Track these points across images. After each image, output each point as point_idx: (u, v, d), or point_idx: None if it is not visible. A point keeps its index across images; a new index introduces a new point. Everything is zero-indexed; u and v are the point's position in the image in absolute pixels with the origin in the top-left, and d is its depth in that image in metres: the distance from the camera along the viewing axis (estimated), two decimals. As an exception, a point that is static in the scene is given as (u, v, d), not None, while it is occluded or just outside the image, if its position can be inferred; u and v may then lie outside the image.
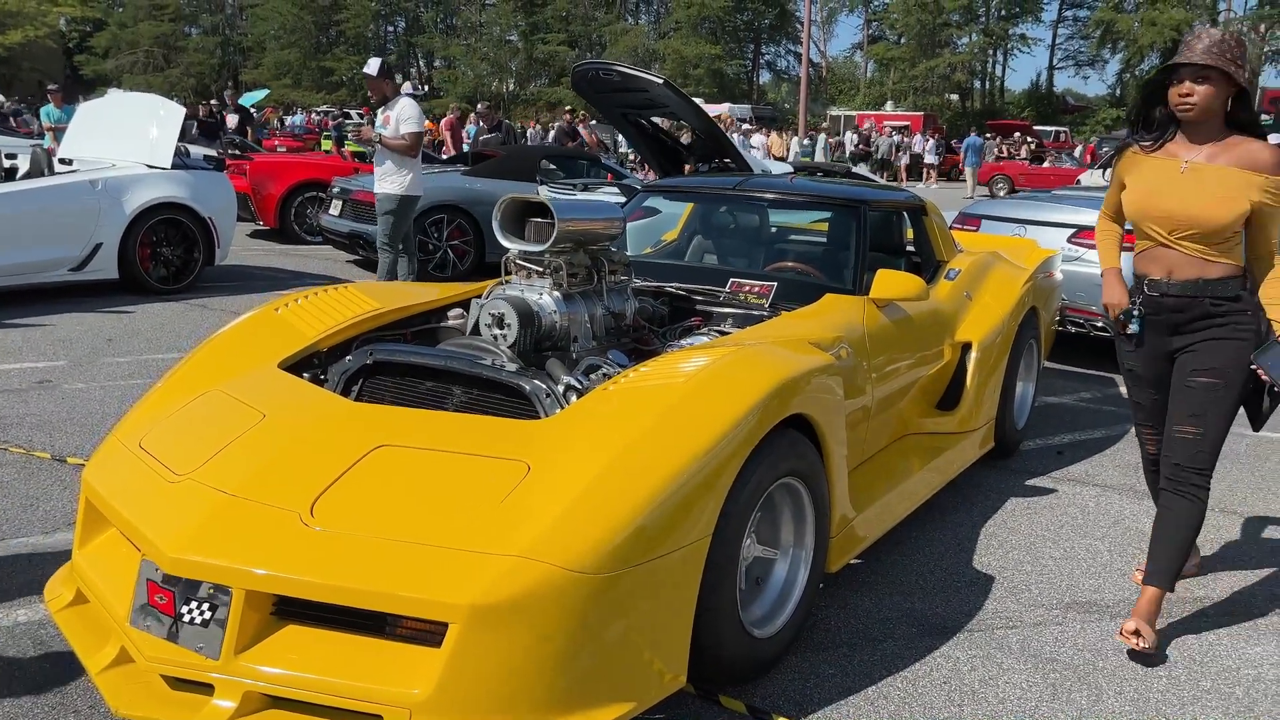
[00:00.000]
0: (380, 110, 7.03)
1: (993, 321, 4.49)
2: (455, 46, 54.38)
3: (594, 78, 6.87)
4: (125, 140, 8.34)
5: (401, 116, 6.82)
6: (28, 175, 7.78)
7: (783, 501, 2.91)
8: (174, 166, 8.24)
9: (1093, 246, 6.62)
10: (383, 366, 3.07)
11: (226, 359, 3.17)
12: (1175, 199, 2.96)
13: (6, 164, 8.00)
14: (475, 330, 3.27)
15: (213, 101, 26.00)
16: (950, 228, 7.37)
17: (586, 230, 3.34)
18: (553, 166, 10.33)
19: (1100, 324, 6.58)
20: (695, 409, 2.56)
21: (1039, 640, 3.10)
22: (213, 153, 12.00)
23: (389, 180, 6.85)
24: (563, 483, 2.35)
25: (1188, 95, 2.90)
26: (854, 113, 40.75)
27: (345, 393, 3.08)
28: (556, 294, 3.27)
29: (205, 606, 2.28)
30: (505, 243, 3.31)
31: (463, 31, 55.56)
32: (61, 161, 8.28)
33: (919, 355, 4.07)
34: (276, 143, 21.36)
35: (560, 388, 2.87)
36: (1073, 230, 6.69)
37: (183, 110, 8.51)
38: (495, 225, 3.31)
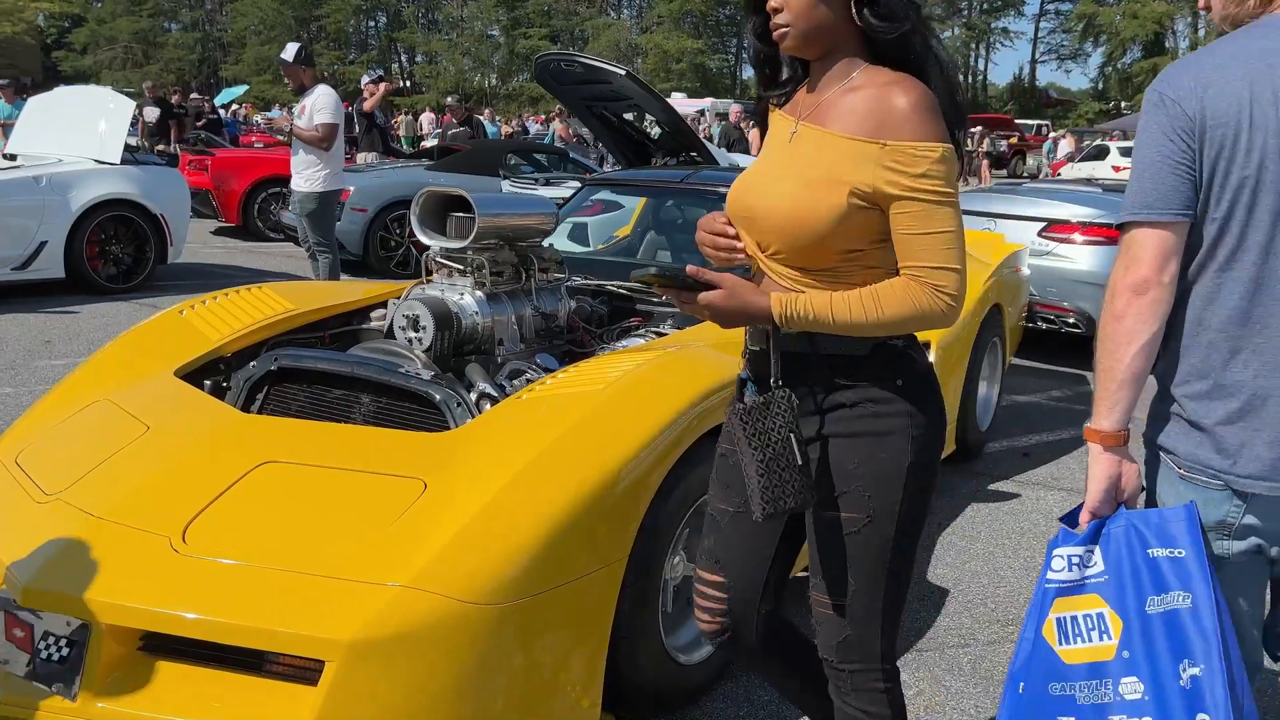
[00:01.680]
0: (298, 99, 6.76)
1: (953, 319, 4.30)
2: (437, 42, 54.05)
3: (556, 69, 6.65)
4: (74, 135, 8.08)
5: (316, 106, 6.56)
6: (-32, 171, 7.52)
7: (714, 516, 2.71)
8: (124, 162, 7.99)
9: (1064, 240, 6.48)
10: (290, 373, 2.86)
11: (122, 365, 2.95)
12: (758, 191, 1.71)
13: (-50, 160, 7.75)
14: (391, 333, 3.06)
15: (193, 95, 25.59)
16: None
17: (512, 225, 3.14)
18: (519, 161, 10.11)
19: (1072, 320, 6.42)
20: (612, 418, 2.37)
21: (992, 660, 2.92)
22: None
23: (305, 176, 6.57)
24: (459, 502, 2.15)
25: (776, 9, 1.64)
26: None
27: (249, 401, 2.87)
28: (479, 294, 3.06)
29: (64, 642, 2.07)
30: (424, 239, 3.10)
31: (444, 26, 55.22)
32: (6, 157, 8.01)
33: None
34: (254, 139, 21.04)
35: (473, 396, 2.66)
36: (1044, 224, 6.52)
37: (132, 104, 8.25)
38: (413, 220, 3.10)
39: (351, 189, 8.97)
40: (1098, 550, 1.63)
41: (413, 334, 2.92)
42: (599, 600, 2.20)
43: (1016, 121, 36.14)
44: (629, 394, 2.45)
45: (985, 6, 50.04)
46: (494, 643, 2.00)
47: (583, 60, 6.70)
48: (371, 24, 59.06)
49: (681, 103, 35.77)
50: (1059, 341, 6.87)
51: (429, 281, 3.16)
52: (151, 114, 13.04)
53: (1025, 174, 29.30)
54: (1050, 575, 1.66)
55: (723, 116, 32.24)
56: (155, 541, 2.12)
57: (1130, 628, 1.56)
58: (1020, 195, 7.06)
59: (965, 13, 49.80)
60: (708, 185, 4.14)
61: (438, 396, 2.61)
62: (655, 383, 2.53)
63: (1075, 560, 1.64)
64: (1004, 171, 27.61)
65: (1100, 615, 1.60)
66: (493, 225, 3.04)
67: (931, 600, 3.27)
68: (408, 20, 56.33)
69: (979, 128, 26.54)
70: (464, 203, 3.02)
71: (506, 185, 8.67)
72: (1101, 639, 1.59)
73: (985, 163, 24.77)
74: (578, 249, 6.54)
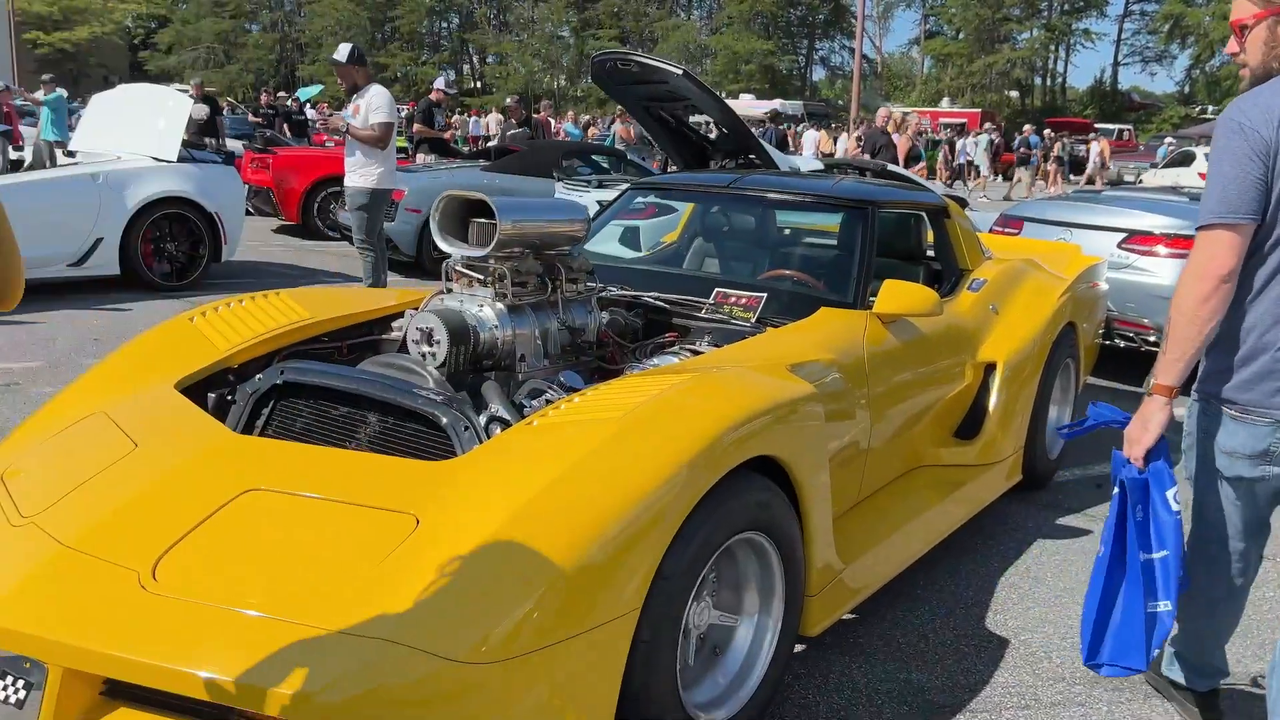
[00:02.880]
0: (351, 99, 6.67)
1: (1022, 338, 3.98)
2: (507, 43, 54.35)
3: (613, 68, 6.46)
4: (134, 132, 8.10)
5: (371, 105, 6.46)
6: (30, 168, 7.57)
7: (746, 559, 2.46)
8: (181, 160, 7.98)
9: (1146, 252, 6.06)
10: (296, 388, 2.67)
11: (124, 376, 2.80)
12: None
13: (14, 156, 7.81)
14: (405, 347, 2.86)
15: (279, 93, 25.92)
16: (990, 230, 6.84)
17: (538, 232, 2.92)
18: (576, 163, 9.93)
19: (1153, 338, 6.00)
20: (629, 449, 2.13)
21: (1056, 724, 2.62)
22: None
23: (358, 174, 6.49)
24: (452, 542, 1.93)
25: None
26: (909, 109, 39.84)
27: (254, 416, 2.69)
28: (500, 306, 2.85)
29: (21, 684, 1.90)
30: (444, 246, 2.90)
31: (515, 27, 55.52)
32: (67, 154, 8.06)
33: (932, 378, 3.59)
34: (325, 138, 21.23)
35: (483, 419, 2.45)
36: (1125, 235, 6.11)
37: (190, 102, 8.24)
38: (433, 226, 2.90)
39: (406, 189, 8.88)
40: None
41: (426, 348, 2.71)
42: (606, 657, 1.97)
43: (1096, 126, 35.02)
44: (650, 422, 2.21)
45: (1066, 7, 48.62)
46: (482, 706, 1.78)
47: (639, 59, 6.48)
48: (444, 25, 59.65)
49: (749, 104, 35.42)
50: (1138, 361, 6.44)
51: (449, 292, 2.96)
52: (200, 111, 13.14)
53: (1105, 181, 28.31)
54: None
55: (792, 119, 31.72)
56: (123, 577, 1.94)
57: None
58: (1100, 204, 6.64)
59: (1045, 14, 48.47)
60: (755, 190, 3.87)
61: (444, 419, 2.40)
62: (681, 409, 2.29)
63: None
64: (1080, 178, 26.64)
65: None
66: (516, 232, 2.82)
67: (989, 652, 2.97)
68: (479, 21, 56.76)
69: (1047, 131, 25.59)
70: (486, 207, 2.81)
71: (559, 187, 8.49)
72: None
73: (1055, 168, 23.89)
74: (628, 254, 6.32)
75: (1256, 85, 2.12)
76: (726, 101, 6.96)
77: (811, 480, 2.55)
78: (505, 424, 2.46)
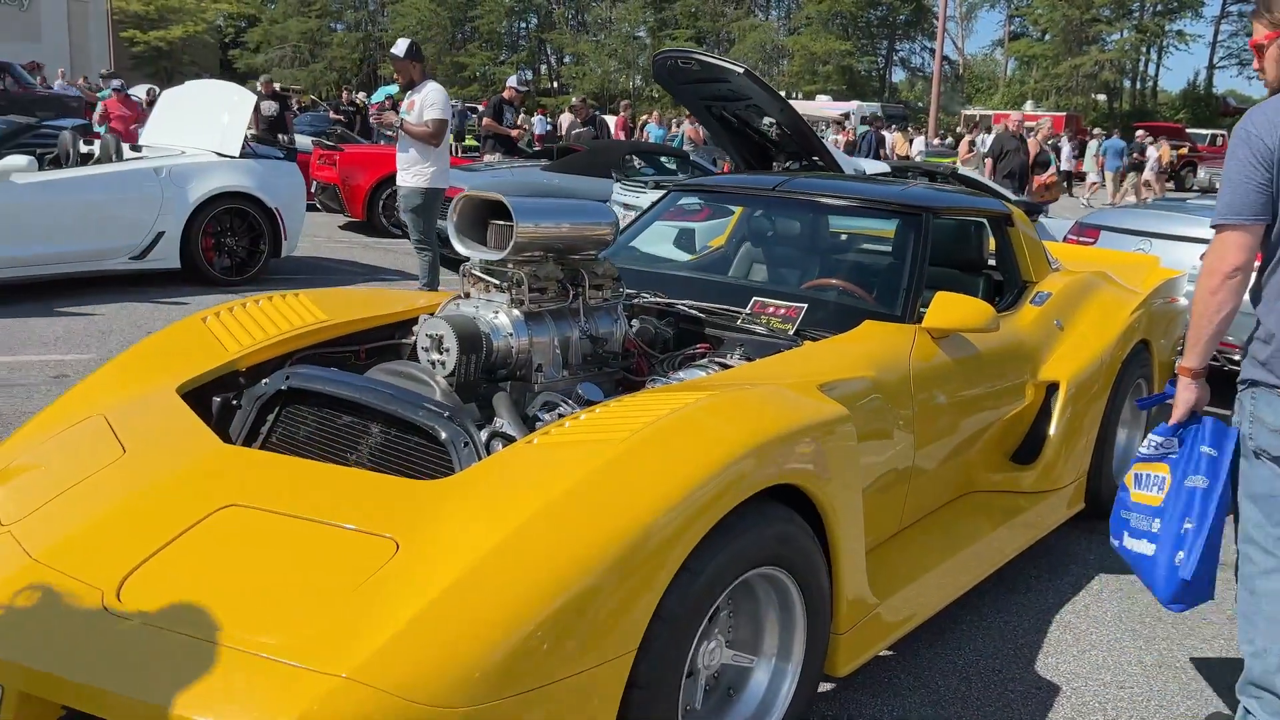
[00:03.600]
0: (406, 95, 6.61)
1: (1088, 356, 3.70)
2: (585, 43, 54.53)
3: (673, 67, 6.32)
4: (199, 127, 8.18)
5: (426, 102, 6.39)
6: (97, 162, 7.68)
7: (765, 595, 2.27)
8: (244, 155, 8.03)
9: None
10: (302, 394, 2.56)
11: (130, 376, 2.72)
12: None
13: (84, 150, 7.94)
14: (416, 354, 2.72)
15: (359, 95, 26.37)
16: (1065, 239, 6.50)
17: (558, 236, 2.76)
18: (640, 163, 9.77)
19: (1237, 357, 5.60)
20: (630, 474, 1.96)
21: (1107, 788, 2.37)
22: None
23: (411, 172, 6.43)
24: (431, 571, 1.79)
25: None
26: (991, 112, 38.88)
27: (259, 421, 2.59)
28: (516, 313, 2.70)
29: (-22, 704, 1.81)
30: (460, 248, 2.76)
31: (592, 28, 55.68)
32: (133, 149, 8.17)
33: (986, 398, 3.34)
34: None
35: (484, 434, 2.29)
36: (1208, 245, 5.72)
37: (254, 98, 8.29)
38: (450, 227, 2.77)
39: (466, 187, 8.81)
40: (1175, 440, 2.52)
41: (436, 356, 2.58)
42: (596, 703, 1.80)
43: (1188, 130, 33.71)
44: (656, 444, 2.04)
45: (1159, 8, 46.96)
46: (451, 755, 1.63)
47: (699, 57, 6.31)
48: (523, 25, 60.10)
49: (825, 105, 34.91)
50: (1218, 382, 6.03)
51: (466, 297, 2.82)
52: (270, 108, 13.30)
53: (1195, 187, 27.20)
54: (1140, 449, 2.62)
55: (871, 121, 31.11)
56: (88, 596, 1.83)
57: (1173, 489, 2.49)
58: (1183, 212, 6.26)
59: (1136, 14, 46.89)
60: (802, 194, 3.66)
61: (443, 434, 2.26)
62: (694, 430, 2.11)
63: (1158, 444, 2.56)
64: (1170, 184, 25.59)
65: (1161, 478, 2.53)
66: (534, 235, 2.67)
67: (1037, 700, 2.73)
68: (557, 21, 57.06)
69: (1140, 133, 24.51)
70: (505, 209, 2.66)
71: (617, 188, 8.35)
72: (1156, 492, 2.53)
73: (1154, 175, 22.88)
74: (682, 257, 6.15)
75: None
76: (789, 101, 6.77)
77: (841, 510, 2.35)
78: (508, 440, 2.30)
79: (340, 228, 11.88)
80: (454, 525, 1.89)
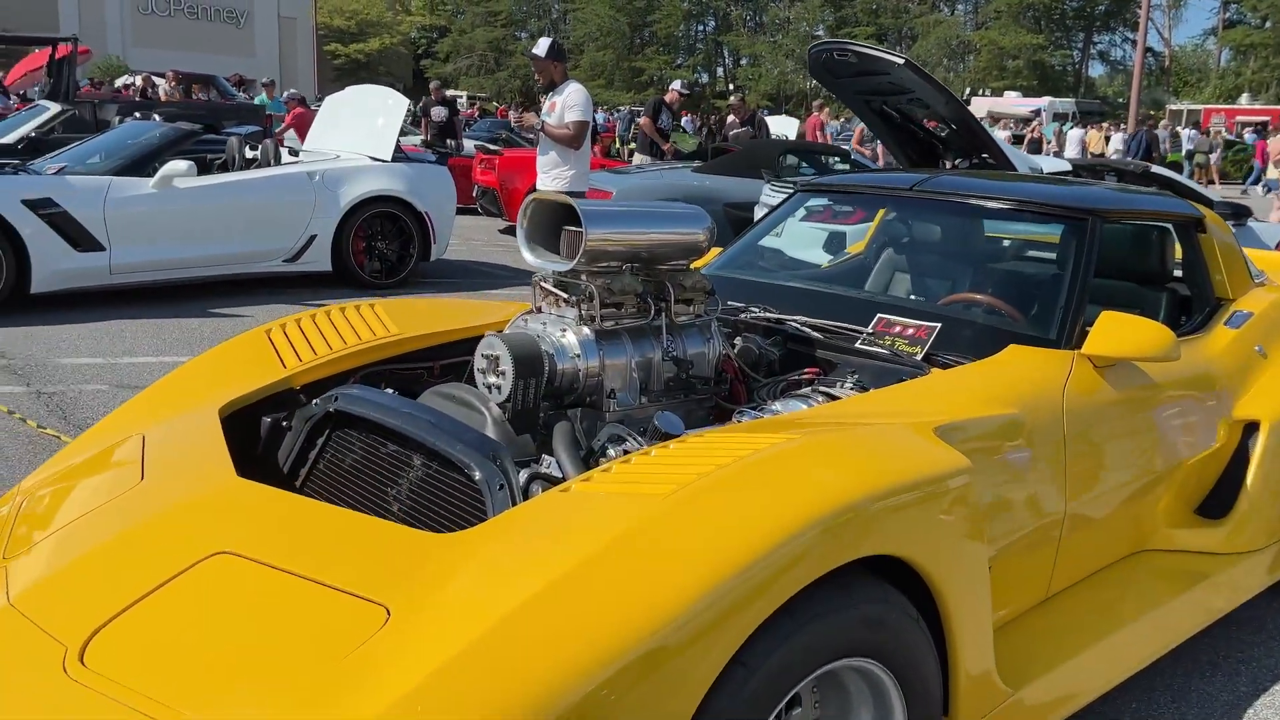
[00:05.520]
0: (547, 96, 6.39)
1: (1301, 391, 3.05)
2: (761, 44, 53.94)
3: (829, 60, 5.90)
4: (355, 132, 8.31)
5: (567, 103, 6.14)
6: (258, 166, 7.89)
7: (855, 689, 1.85)
8: (395, 159, 8.09)
9: None
10: (351, 417, 2.32)
11: (183, 390, 2.56)
12: None
13: (249, 155, 8.19)
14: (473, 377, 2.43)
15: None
16: (1278, 247, 5.65)
17: (637, 243, 2.42)
18: (797, 161, 9.30)
19: None
20: (673, 539, 1.59)
21: None
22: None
23: (551, 176, 6.20)
24: (418, 651, 1.47)
25: None
26: (1200, 107, 35.89)
27: (308, 446, 2.37)
28: (586, 331, 2.37)
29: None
30: (529, 258, 2.46)
31: (770, 28, 55.03)
32: (291, 153, 8.36)
33: (1164, 440, 2.77)
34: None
35: (522, 477, 1.97)
36: None
37: (407, 102, 8.34)
38: (520, 234, 2.47)
39: (614, 190, 8.61)
40: None
41: (492, 379, 2.28)
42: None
43: None
44: (713, 500, 1.66)
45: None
46: None
47: (856, 49, 5.86)
48: (700, 28, 60.06)
49: (1014, 102, 33.11)
50: None
51: (538, 311, 2.51)
52: (439, 114, 13.52)
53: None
54: None
55: (1062, 117, 29.28)
56: (50, 653, 1.62)
57: None
58: None
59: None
60: (943, 194, 3.16)
61: (477, 474, 1.95)
62: (766, 484, 1.72)
63: None
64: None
65: None
66: (607, 243, 2.33)
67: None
68: (735, 23, 56.70)
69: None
70: (574, 214, 2.33)
71: (767, 188, 7.92)
72: None
73: None
74: (826, 260, 5.68)
75: None
76: (957, 95, 6.19)
77: (957, 584, 1.90)
78: (550, 483, 1.97)
79: (500, 231, 11.94)
80: (458, 592, 1.58)
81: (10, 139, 9.34)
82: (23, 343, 5.87)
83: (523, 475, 1.97)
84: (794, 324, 2.82)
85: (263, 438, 2.44)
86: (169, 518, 1.91)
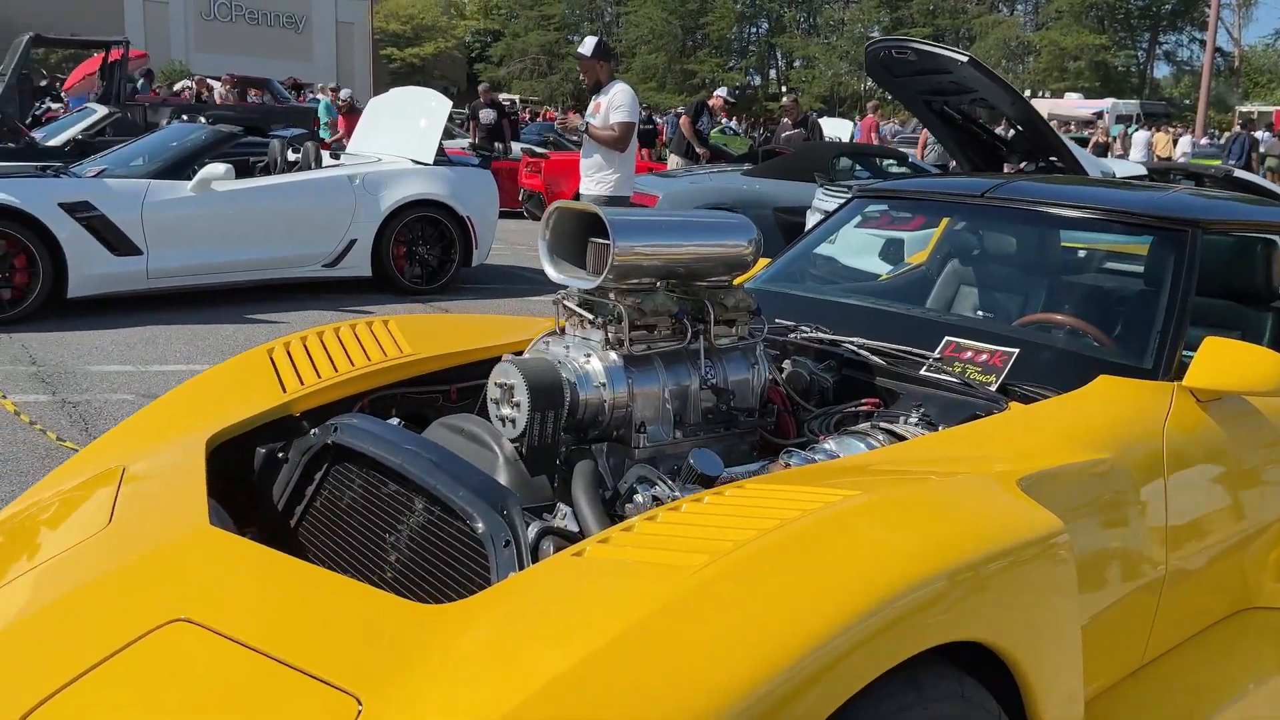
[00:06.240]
0: (592, 97, 6.12)
1: None
2: (815, 46, 53.37)
3: (887, 58, 5.59)
4: (398, 134, 8.14)
5: (613, 104, 5.88)
6: (298, 169, 7.74)
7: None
8: (437, 162, 7.90)
9: None
10: (349, 450, 2.07)
11: (175, 416, 2.33)
12: None
13: (292, 157, 8.06)
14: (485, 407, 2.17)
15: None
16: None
17: (673, 257, 2.14)
18: (851, 165, 8.95)
19: None
20: (705, 627, 1.31)
21: None
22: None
23: (594, 180, 5.94)
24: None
25: None
26: (1271, 108, 34.68)
27: (305, 480, 2.12)
28: (614, 356, 2.09)
29: None
30: (552, 273, 2.19)
31: (824, 30, 54.44)
32: (333, 156, 8.21)
33: (1274, 483, 2.42)
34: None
35: (532, 531, 1.70)
36: None
37: (449, 104, 8.15)
38: (541, 247, 2.20)
39: (660, 195, 8.33)
40: None
41: (506, 411, 2.01)
42: None
43: None
44: (756, 575, 1.38)
45: None
46: None
47: (916, 46, 5.55)
48: (753, 30, 59.59)
49: (1075, 104, 32.26)
50: None
51: (561, 333, 2.24)
52: (487, 116, 13.34)
53: None
54: None
55: (1126, 119, 28.52)
56: (-25, 736, 1.39)
57: None
58: None
59: None
60: (1017, 201, 2.84)
61: (480, 527, 1.68)
62: (826, 552, 1.44)
63: None
64: None
65: None
66: (638, 257, 2.06)
67: None
68: (788, 25, 56.17)
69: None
70: (600, 224, 2.06)
71: (820, 192, 7.59)
72: None
73: None
74: (883, 271, 5.38)
75: None
76: (1023, 95, 5.84)
77: (1048, 671, 1.59)
78: (563, 540, 1.69)
79: (545, 235, 11.72)
80: (434, 689, 1.31)
81: (57, 141, 9.33)
82: (55, 349, 5.76)
83: (533, 529, 1.69)
84: (850, 346, 2.52)
85: (256, 470, 2.20)
86: (127, 574, 1.66)
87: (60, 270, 6.33)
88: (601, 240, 2.09)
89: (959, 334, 2.47)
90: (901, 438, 2.09)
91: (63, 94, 15.30)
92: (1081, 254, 3.46)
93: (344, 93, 14.61)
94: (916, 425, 2.15)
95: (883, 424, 2.17)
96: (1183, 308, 2.41)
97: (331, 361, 2.45)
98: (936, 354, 2.42)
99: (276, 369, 2.43)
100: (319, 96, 22.48)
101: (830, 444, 2.11)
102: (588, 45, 6.37)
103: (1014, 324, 2.75)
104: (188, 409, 2.34)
